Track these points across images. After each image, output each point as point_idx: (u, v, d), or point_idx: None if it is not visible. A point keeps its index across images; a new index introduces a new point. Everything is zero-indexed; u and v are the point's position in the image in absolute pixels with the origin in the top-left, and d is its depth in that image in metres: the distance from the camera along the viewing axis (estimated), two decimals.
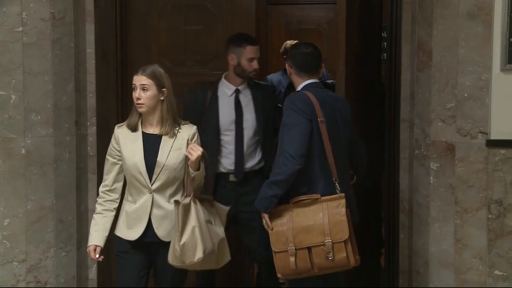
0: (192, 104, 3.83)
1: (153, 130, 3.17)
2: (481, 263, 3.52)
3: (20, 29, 3.53)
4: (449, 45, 3.49)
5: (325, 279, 3.34)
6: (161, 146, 3.14)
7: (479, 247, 3.52)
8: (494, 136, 3.48)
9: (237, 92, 3.83)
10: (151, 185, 3.12)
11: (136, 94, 3.11)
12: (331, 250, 3.11)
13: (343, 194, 3.19)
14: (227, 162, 3.80)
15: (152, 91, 3.10)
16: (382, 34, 4.57)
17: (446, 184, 3.54)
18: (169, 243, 3.10)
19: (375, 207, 4.55)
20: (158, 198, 3.13)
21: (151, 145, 3.14)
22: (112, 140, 3.22)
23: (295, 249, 3.14)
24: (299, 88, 3.39)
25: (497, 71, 3.47)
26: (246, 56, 3.76)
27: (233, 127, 3.79)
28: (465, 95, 3.48)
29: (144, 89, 3.09)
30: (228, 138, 3.79)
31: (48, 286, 3.66)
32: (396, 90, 3.92)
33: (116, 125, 3.24)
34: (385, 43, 4.28)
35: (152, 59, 4.20)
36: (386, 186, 4.16)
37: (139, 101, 3.11)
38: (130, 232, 3.15)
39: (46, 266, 3.66)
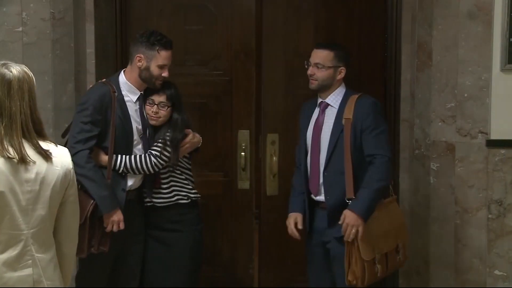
0: (95, 105, 3.12)
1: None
2: (481, 263, 3.52)
3: (20, 29, 3.53)
4: (449, 45, 3.49)
5: (332, 278, 3.32)
6: None
7: (479, 247, 3.52)
8: (494, 136, 3.49)
9: (141, 98, 3.28)
10: None
11: None
12: (400, 253, 3.16)
13: (395, 197, 3.21)
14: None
15: None
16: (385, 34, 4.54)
17: (446, 184, 3.54)
18: None
19: None
20: None
21: None
22: None
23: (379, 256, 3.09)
24: (341, 93, 3.23)
25: (497, 71, 3.47)
26: (158, 62, 3.20)
27: (139, 139, 3.26)
28: (465, 95, 3.48)
29: None
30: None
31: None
32: (396, 90, 3.92)
33: None
34: (385, 43, 4.27)
35: None
36: None
37: None
38: None
39: None
